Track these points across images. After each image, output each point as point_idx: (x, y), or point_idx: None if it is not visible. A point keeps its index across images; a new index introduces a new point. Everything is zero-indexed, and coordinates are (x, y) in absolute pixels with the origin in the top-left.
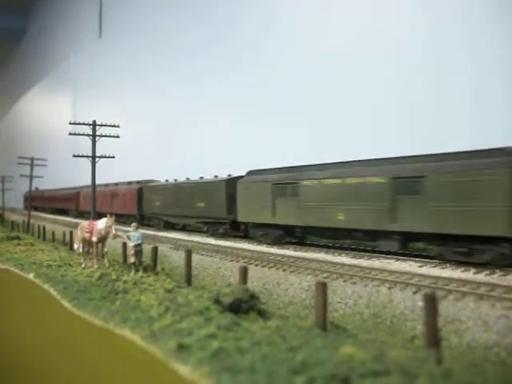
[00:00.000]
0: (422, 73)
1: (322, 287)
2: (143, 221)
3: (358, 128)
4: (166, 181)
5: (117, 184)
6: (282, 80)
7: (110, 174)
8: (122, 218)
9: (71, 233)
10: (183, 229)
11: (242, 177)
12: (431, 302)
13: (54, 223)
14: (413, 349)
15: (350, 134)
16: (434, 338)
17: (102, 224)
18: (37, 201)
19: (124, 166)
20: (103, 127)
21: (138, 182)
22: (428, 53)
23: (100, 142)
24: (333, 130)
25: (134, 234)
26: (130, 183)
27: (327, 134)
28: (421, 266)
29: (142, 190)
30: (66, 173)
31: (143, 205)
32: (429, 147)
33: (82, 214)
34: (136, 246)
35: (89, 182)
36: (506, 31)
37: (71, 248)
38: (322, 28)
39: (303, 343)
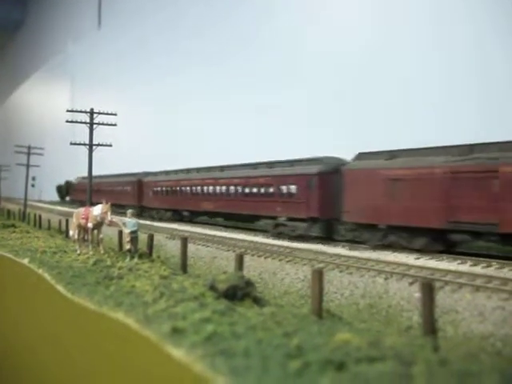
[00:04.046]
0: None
1: (319, 275)
2: None
3: (354, 126)
4: None
5: None
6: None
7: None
8: None
9: (67, 221)
10: None
11: None
12: (428, 291)
13: (49, 212)
14: (409, 337)
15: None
16: (430, 327)
17: (97, 210)
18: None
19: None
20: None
21: None
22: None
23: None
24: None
25: (129, 221)
26: None
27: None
28: (417, 258)
29: None
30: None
31: None
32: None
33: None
34: (132, 232)
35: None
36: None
37: (67, 236)
38: (321, 25)
39: (298, 329)
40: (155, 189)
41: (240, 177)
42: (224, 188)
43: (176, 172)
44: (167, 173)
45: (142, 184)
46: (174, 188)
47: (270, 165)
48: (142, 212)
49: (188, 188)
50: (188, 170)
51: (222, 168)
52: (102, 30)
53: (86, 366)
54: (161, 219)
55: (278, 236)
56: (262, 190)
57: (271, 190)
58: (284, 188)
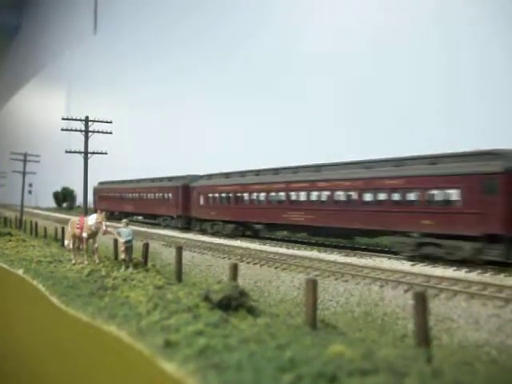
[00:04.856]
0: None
1: (313, 284)
2: None
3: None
4: None
5: None
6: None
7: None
8: None
9: (63, 229)
10: None
11: None
12: (421, 300)
13: (46, 219)
14: (403, 347)
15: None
16: (424, 337)
17: (92, 220)
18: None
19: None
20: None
21: None
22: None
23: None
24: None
25: (124, 231)
26: None
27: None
28: (413, 265)
29: None
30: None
31: None
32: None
33: None
34: (126, 242)
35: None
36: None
37: (63, 244)
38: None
39: (292, 341)
40: (210, 195)
41: (354, 178)
42: (326, 194)
43: (242, 174)
44: (228, 175)
45: (190, 190)
46: (241, 194)
47: (398, 162)
48: (188, 224)
49: (263, 194)
50: (260, 172)
51: (317, 168)
52: (98, 35)
53: (78, 380)
54: (217, 233)
55: (421, 259)
56: (396, 197)
57: (412, 195)
58: (437, 193)
